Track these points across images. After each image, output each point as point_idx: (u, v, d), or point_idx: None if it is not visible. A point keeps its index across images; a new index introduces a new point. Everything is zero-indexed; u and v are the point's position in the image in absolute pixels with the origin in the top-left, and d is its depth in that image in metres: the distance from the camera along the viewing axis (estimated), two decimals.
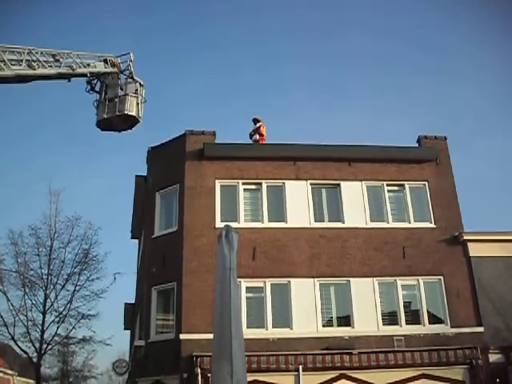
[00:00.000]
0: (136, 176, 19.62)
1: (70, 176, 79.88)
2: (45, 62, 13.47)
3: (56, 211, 28.20)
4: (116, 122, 15.26)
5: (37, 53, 13.41)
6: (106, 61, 15.34)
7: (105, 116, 15.05)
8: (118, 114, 15.00)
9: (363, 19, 75.28)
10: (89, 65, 14.85)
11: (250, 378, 12.00)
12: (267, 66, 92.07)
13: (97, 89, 15.58)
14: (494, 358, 15.98)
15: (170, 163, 18.02)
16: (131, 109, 15.10)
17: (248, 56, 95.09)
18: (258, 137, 18.77)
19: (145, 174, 19.23)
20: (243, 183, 17.51)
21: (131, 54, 15.92)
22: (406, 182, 18.22)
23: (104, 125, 15.37)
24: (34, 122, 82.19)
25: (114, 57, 15.63)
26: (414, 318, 16.64)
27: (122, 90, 15.32)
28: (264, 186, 17.55)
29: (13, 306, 26.69)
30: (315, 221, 17.31)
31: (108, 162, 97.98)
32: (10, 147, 76.01)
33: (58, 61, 13.80)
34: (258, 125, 18.96)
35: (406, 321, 16.47)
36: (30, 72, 13.10)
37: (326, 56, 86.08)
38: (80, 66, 14.44)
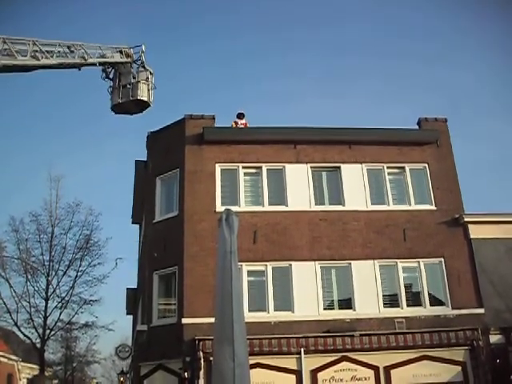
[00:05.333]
0: (136, 161, 19.64)
1: (71, 162, 79.70)
2: (58, 52, 14.61)
3: (56, 197, 28.38)
4: (129, 106, 17.04)
5: (53, 45, 14.48)
6: (121, 52, 16.92)
7: (119, 101, 16.81)
8: (131, 99, 16.71)
9: (363, 6, 74.54)
10: (106, 55, 16.38)
11: (252, 361, 11.98)
12: (268, 52, 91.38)
13: (110, 76, 17.11)
14: (494, 339, 16.06)
15: (170, 148, 17.97)
16: (143, 94, 16.84)
17: (248, 42, 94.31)
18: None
19: (145, 159, 19.19)
20: (243, 167, 17.45)
21: (143, 46, 17.53)
22: (406, 165, 18.15)
23: (118, 109, 17.15)
24: (35, 109, 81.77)
25: (128, 48, 17.21)
26: (415, 300, 16.69)
27: (134, 77, 17.01)
28: (264, 169, 17.50)
29: (15, 292, 26.95)
30: (316, 204, 17.29)
31: (108, 148, 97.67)
32: (10, 134, 75.83)
33: (72, 52, 15.08)
34: (243, 121, 18.68)
35: (407, 303, 16.53)
36: (34, 62, 13.77)
37: (326, 43, 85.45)
38: (91, 57, 15.79)
